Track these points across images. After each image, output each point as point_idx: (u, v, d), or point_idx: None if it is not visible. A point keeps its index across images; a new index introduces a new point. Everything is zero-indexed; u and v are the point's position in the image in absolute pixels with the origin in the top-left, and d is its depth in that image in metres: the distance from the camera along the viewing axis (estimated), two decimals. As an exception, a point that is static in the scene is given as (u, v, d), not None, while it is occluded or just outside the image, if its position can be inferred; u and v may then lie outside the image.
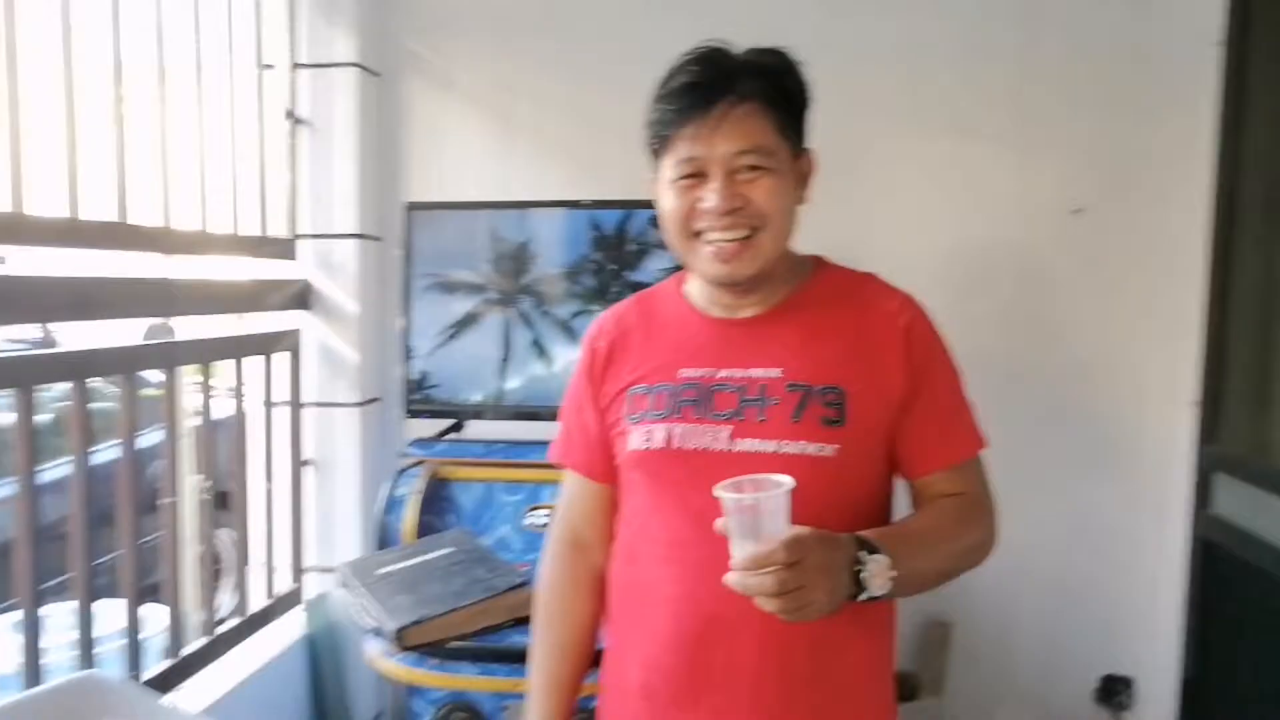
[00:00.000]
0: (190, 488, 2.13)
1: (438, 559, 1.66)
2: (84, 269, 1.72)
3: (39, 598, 1.55)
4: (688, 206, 1.11)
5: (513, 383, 2.10)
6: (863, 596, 0.98)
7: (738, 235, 1.10)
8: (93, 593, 1.66)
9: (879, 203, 2.39)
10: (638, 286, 2.01)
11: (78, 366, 1.64)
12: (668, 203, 1.14)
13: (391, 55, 2.49)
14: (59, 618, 1.89)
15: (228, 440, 2.20)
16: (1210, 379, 2.25)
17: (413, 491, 1.88)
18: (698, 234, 1.12)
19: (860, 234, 2.30)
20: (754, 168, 1.09)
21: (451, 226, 2.16)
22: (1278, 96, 2.06)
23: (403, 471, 1.95)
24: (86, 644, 1.67)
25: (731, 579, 0.94)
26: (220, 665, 2.05)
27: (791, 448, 1.09)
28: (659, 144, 1.13)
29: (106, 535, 1.79)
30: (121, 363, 1.76)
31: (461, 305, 2.11)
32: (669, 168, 1.13)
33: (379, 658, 1.58)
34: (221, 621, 2.12)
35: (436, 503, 1.93)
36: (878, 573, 0.98)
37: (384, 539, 1.86)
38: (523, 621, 1.56)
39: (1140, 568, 2.37)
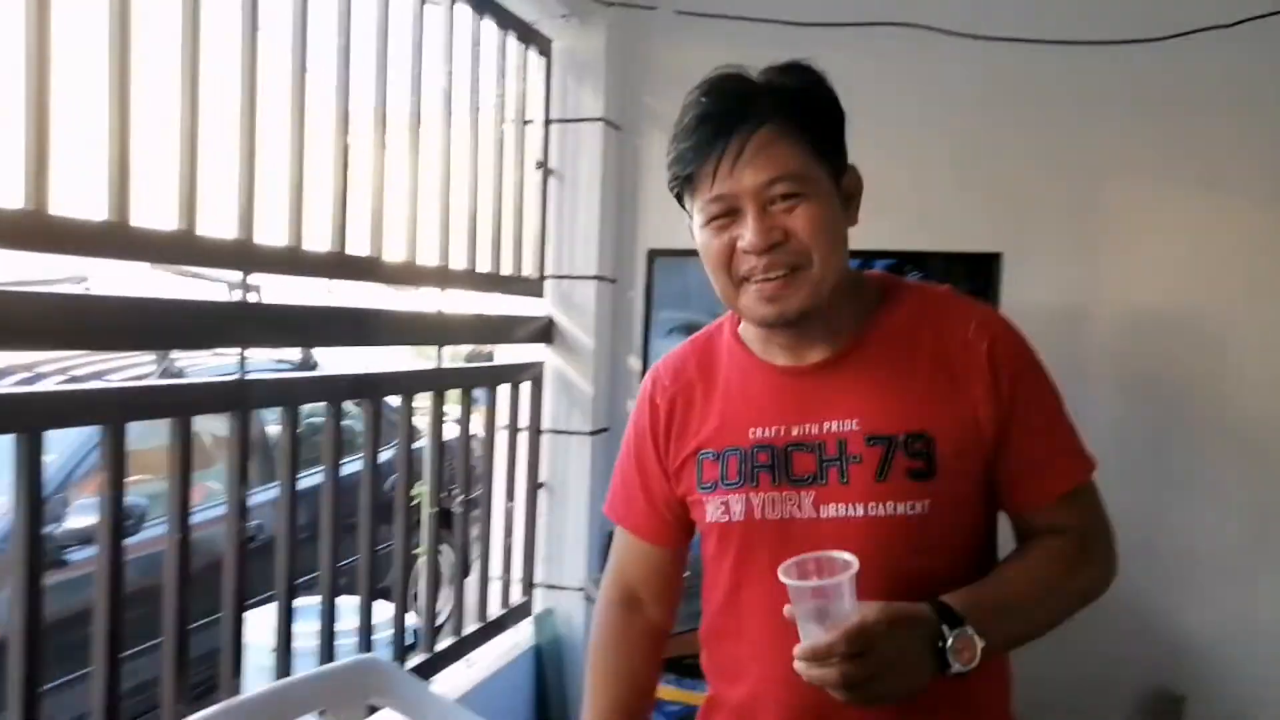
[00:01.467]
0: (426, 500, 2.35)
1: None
2: (364, 300, 1.98)
3: (294, 591, 1.75)
4: (727, 247, 1.02)
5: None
6: (949, 673, 0.91)
7: (782, 272, 1.00)
8: (335, 590, 1.87)
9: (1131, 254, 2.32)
10: None
11: (367, 388, 1.88)
12: (704, 247, 1.05)
13: (633, 110, 2.67)
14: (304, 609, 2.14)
15: (463, 460, 2.42)
16: None
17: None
18: (743, 278, 1.03)
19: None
20: (789, 195, 0.99)
21: (683, 273, 2.29)
22: None
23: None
24: (366, 630, 1.90)
25: (798, 668, 0.88)
26: (460, 665, 2.25)
27: (880, 510, 1.01)
28: (681, 186, 1.05)
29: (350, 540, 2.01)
30: (401, 385, 2.00)
31: None
32: (698, 210, 1.04)
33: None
34: (461, 625, 2.33)
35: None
36: (963, 649, 0.90)
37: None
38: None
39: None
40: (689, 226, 1.09)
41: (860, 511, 1.01)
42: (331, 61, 1.76)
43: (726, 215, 1.01)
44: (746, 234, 0.99)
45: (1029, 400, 1.04)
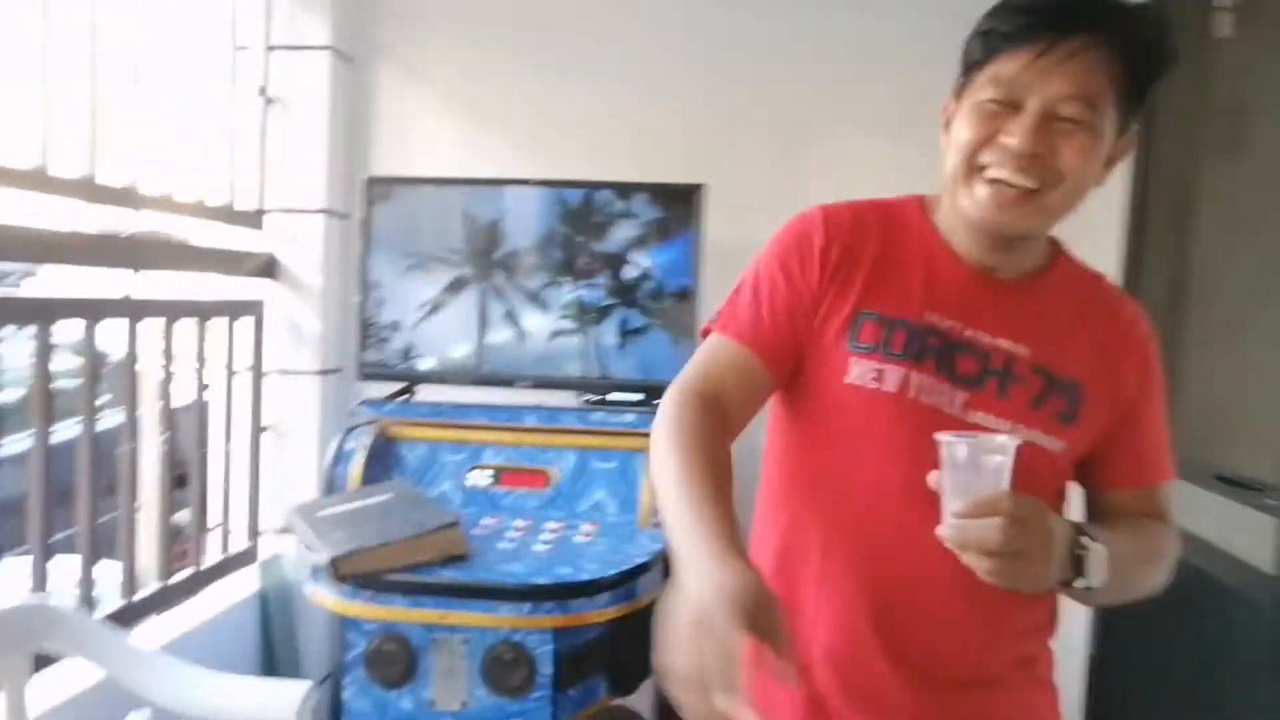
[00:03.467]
0: (151, 444, 2.21)
1: (377, 503, 1.77)
2: (52, 222, 1.82)
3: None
4: (984, 135, 0.99)
5: (463, 350, 2.21)
6: (1079, 583, 0.94)
7: (1027, 184, 0.97)
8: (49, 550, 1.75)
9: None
10: (606, 257, 2.13)
11: (42, 310, 1.74)
12: (961, 126, 1.01)
13: (363, 41, 2.60)
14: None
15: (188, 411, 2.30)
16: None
17: (360, 446, 1.98)
18: (982, 168, 1.00)
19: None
20: (1074, 121, 0.96)
21: (415, 204, 2.26)
22: (1183, 112, 2.20)
23: (352, 429, 2.05)
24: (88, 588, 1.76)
25: (947, 532, 0.89)
26: (172, 614, 2.14)
27: (1026, 434, 1.00)
28: (984, 54, 1.00)
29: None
30: (87, 310, 1.86)
31: (439, 282, 2.21)
32: (982, 85, 0.99)
33: (317, 591, 1.68)
34: (174, 573, 2.21)
35: (383, 459, 2.04)
36: (1099, 561, 0.93)
37: (331, 489, 1.96)
38: (453, 559, 1.67)
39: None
40: (946, 104, 1.06)
41: (1008, 427, 1.01)
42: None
43: (1004, 104, 0.98)
44: (1017, 133, 0.96)
45: (1154, 394, 1.10)
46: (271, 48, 2.47)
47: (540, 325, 2.17)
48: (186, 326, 2.19)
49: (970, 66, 1.02)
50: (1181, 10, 2.18)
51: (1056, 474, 1.06)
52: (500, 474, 2.02)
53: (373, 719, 1.69)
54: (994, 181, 0.98)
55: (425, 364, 2.21)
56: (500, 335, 2.19)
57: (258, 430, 2.46)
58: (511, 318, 2.18)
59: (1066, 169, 0.97)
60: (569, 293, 2.16)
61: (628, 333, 2.12)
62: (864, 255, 1.08)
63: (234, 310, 2.37)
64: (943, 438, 0.90)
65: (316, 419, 2.51)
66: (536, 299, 2.17)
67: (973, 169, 1.00)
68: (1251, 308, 1.92)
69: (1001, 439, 0.90)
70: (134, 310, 2.00)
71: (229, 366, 2.36)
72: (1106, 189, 2.28)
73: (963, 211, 1.03)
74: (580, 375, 2.15)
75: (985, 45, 0.99)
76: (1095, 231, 2.38)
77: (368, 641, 1.68)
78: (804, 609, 1.05)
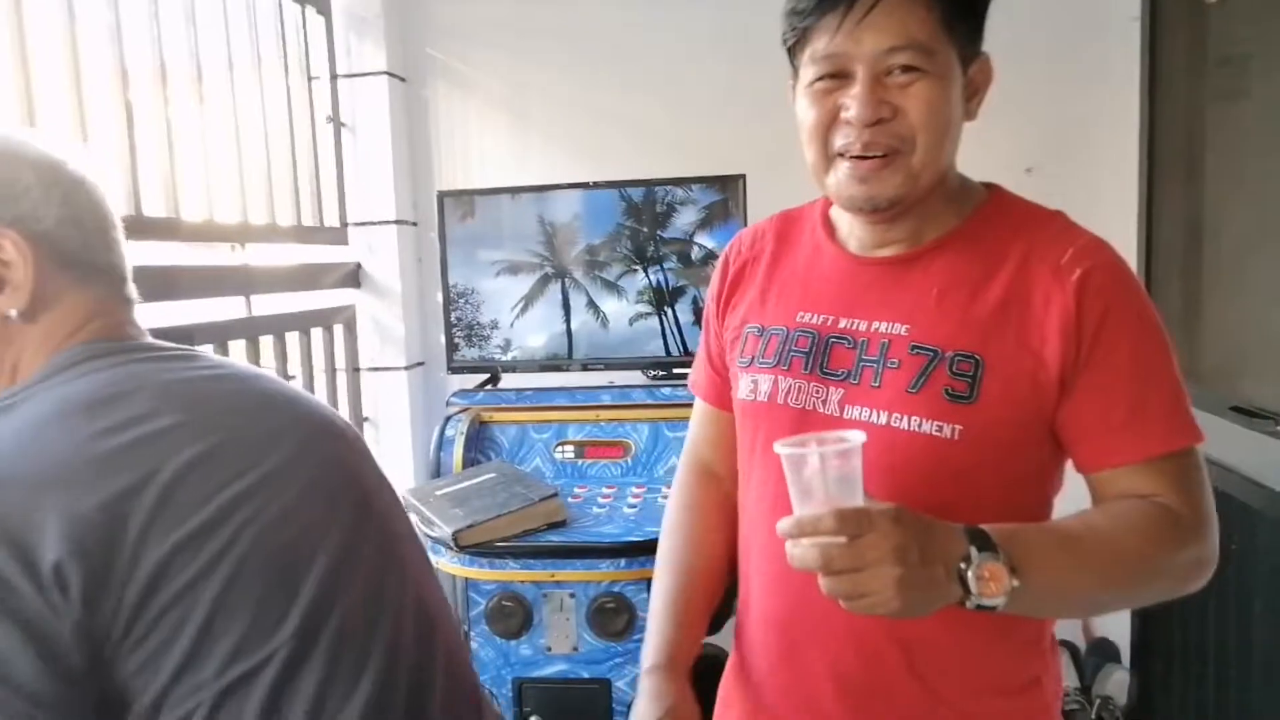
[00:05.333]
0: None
1: (483, 481, 2.03)
2: (176, 259, 2.08)
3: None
4: (828, 115, 0.93)
5: (538, 339, 2.46)
6: (969, 604, 0.78)
7: (879, 153, 0.91)
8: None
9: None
10: (673, 242, 2.35)
11: (184, 336, 2.01)
12: (803, 111, 0.95)
13: (416, 62, 2.83)
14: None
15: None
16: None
17: (459, 433, 2.24)
18: (839, 153, 0.94)
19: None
20: (909, 69, 0.89)
21: (485, 211, 2.49)
22: (1184, 61, 2.36)
23: (449, 418, 2.31)
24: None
25: (786, 548, 0.79)
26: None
27: (904, 423, 0.91)
28: (796, 37, 0.94)
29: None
30: (215, 334, 2.13)
31: (526, 281, 2.43)
32: (805, 67, 0.95)
33: (440, 561, 1.95)
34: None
35: (479, 442, 2.30)
36: (990, 577, 0.78)
37: (437, 472, 2.22)
38: (555, 525, 1.93)
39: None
40: (789, 86, 1.01)
41: (883, 419, 0.92)
42: (104, 15, 1.82)
43: (835, 78, 0.92)
44: (852, 103, 0.90)
45: (1117, 344, 0.89)
46: (335, 76, 2.71)
47: (620, 310, 2.38)
48: (293, 336, 2.46)
49: (790, 52, 0.98)
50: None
51: (949, 465, 0.91)
52: (584, 448, 2.27)
53: (498, 664, 1.96)
54: (851, 159, 0.93)
55: (516, 355, 2.45)
56: (585, 323, 2.41)
57: (359, 422, 2.74)
58: (594, 306, 2.40)
59: (918, 123, 0.90)
60: (643, 280, 2.37)
61: (701, 309, 2.34)
62: (757, 270, 1.09)
63: (329, 318, 2.64)
64: (778, 447, 0.81)
65: (406, 409, 2.78)
66: (614, 288, 2.39)
67: (828, 154, 0.95)
68: (1259, 244, 2.09)
69: (838, 435, 0.80)
70: (251, 329, 2.28)
71: (329, 368, 2.64)
72: (1122, 145, 2.52)
73: (834, 197, 0.99)
74: (663, 354, 2.37)
75: (792, 28, 0.95)
76: (1119, 180, 2.58)
77: (487, 600, 1.95)
78: (746, 603, 1.09)
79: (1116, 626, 2.66)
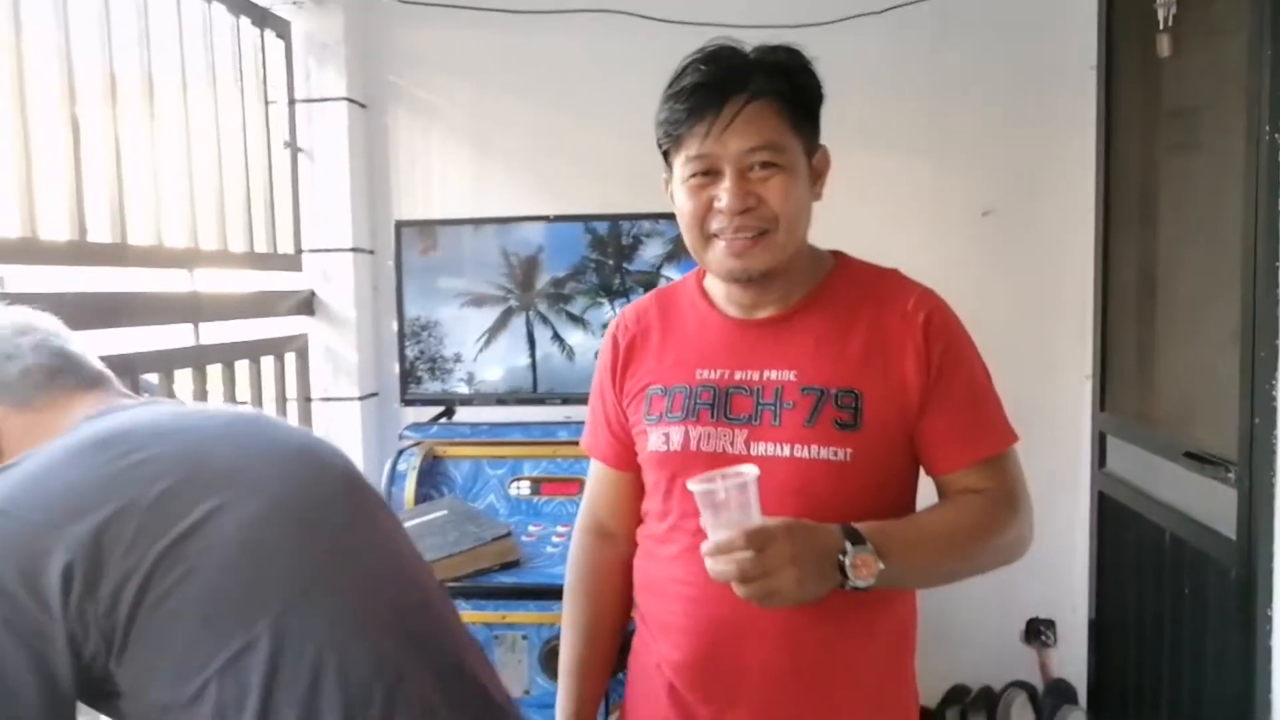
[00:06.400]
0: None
1: (435, 519, 1.98)
2: (123, 285, 2.02)
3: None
4: (703, 205, 1.12)
5: (495, 373, 2.41)
6: (847, 586, 0.99)
7: (750, 234, 1.10)
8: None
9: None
10: (639, 274, 2.33)
11: (127, 364, 1.94)
12: (682, 202, 1.14)
13: (377, 89, 2.79)
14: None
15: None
16: (1100, 356, 2.59)
17: (411, 467, 2.19)
18: (715, 234, 1.12)
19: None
20: (766, 165, 1.09)
21: (443, 242, 2.45)
22: (1140, 111, 2.41)
23: (402, 451, 2.26)
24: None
25: (706, 565, 0.98)
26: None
27: (805, 452, 1.10)
28: (670, 143, 1.14)
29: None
30: (159, 362, 2.06)
31: (490, 313, 2.40)
32: (681, 166, 1.13)
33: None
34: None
35: (432, 477, 2.25)
36: (861, 564, 0.99)
37: (388, 508, 2.16)
38: (508, 565, 1.88)
39: (1054, 518, 2.66)
40: (665, 180, 1.20)
41: (787, 452, 1.10)
42: (52, 30, 1.77)
43: (707, 175, 1.11)
44: (724, 195, 1.09)
45: (955, 372, 1.13)
46: (293, 101, 2.66)
47: (586, 343, 2.36)
48: (242, 365, 2.39)
49: (665, 154, 1.17)
50: (1129, 34, 2.39)
51: (845, 481, 1.11)
52: (540, 484, 2.23)
53: (446, 710, 1.90)
54: (726, 239, 1.12)
55: (480, 388, 2.41)
56: (549, 355, 2.38)
57: (307, 455, 2.67)
58: (559, 339, 2.38)
59: (778, 208, 1.10)
60: (609, 312, 2.35)
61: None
62: (648, 341, 1.25)
63: (281, 346, 2.57)
64: (691, 485, 0.98)
65: (358, 441, 2.71)
66: (579, 321, 2.37)
67: (705, 236, 1.14)
68: (1211, 292, 2.12)
69: (737, 470, 0.97)
70: (198, 357, 2.21)
71: (280, 397, 2.57)
72: (1079, 190, 2.54)
73: (712, 271, 1.18)
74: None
75: (668, 134, 1.14)
76: (1076, 224, 2.61)
77: (437, 642, 1.89)
78: (653, 642, 1.22)
79: (1074, 667, 2.66)
